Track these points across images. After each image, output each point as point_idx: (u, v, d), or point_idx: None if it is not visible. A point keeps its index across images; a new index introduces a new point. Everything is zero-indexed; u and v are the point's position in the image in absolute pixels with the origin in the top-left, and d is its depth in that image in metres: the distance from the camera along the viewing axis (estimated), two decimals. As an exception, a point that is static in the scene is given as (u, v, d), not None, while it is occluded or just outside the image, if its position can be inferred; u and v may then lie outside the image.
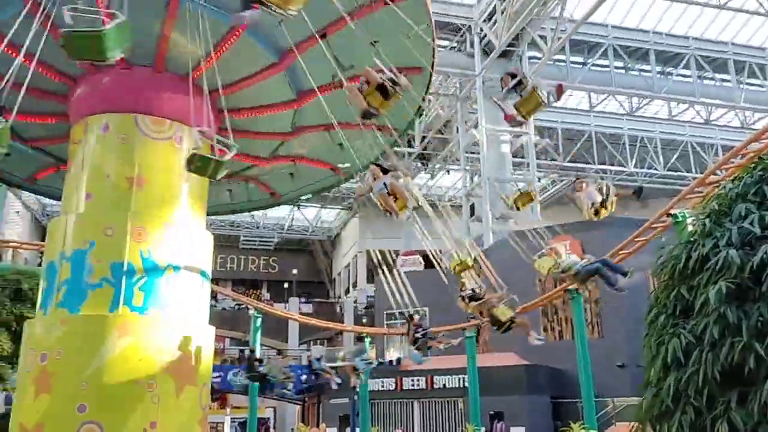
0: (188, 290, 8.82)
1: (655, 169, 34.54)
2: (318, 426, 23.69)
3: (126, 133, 8.96)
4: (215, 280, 22.34)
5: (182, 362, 8.23)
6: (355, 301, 38.31)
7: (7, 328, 14.26)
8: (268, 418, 32.23)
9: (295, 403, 31.95)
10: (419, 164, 33.81)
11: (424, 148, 32.46)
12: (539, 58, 26.24)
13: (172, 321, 8.40)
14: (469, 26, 27.05)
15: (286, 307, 37.47)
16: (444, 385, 21.88)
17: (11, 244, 23.03)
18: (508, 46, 25.09)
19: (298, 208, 42.72)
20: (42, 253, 13.90)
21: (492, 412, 19.14)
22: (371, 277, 36.80)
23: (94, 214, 8.55)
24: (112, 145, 8.91)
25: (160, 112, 9.18)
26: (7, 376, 14.36)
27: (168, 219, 8.83)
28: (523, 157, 29.61)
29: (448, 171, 34.97)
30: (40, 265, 17.27)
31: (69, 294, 8.14)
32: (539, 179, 31.67)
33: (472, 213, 27.80)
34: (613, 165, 34.39)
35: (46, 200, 37.70)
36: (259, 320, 17.58)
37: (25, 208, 35.97)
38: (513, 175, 28.49)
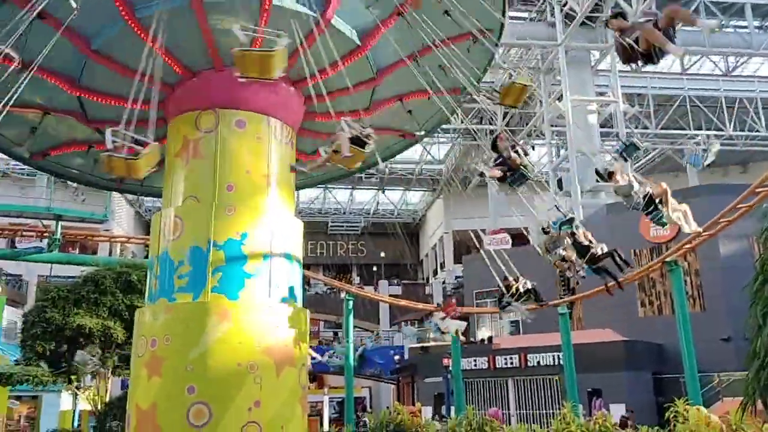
0: (283, 275, 9.14)
1: (757, 131, 32.37)
2: (413, 404, 24.00)
3: (261, 133, 9.39)
4: (306, 266, 22.99)
5: (279, 344, 8.57)
6: (444, 282, 38.36)
7: (120, 318, 15.28)
8: (365, 398, 33.00)
9: (389, 383, 32.52)
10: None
11: (507, 124, 31.88)
12: (625, 23, 25.03)
13: (268, 305, 8.75)
14: (549, -5, 26.24)
15: (375, 290, 38.05)
16: (538, 362, 21.59)
17: (119, 239, 24.60)
18: (590, 12, 24.14)
19: (383, 192, 43.11)
20: (147, 246, 14.80)
21: (590, 390, 18.75)
22: (458, 258, 36.71)
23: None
24: (250, 142, 9.39)
25: (285, 119, 9.72)
26: (122, 362, 15.43)
27: (261, 208, 9.16)
28: (612, 127, 28.53)
29: (533, 146, 34.18)
30: (146, 257, 18.33)
31: (174, 282, 8.65)
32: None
33: (560, 188, 27.11)
34: (710, 129, 32.52)
35: (149, 198, 39.92)
36: (351, 303, 17.97)
37: (129, 204, 38.24)
38: (602, 146, 27.52)
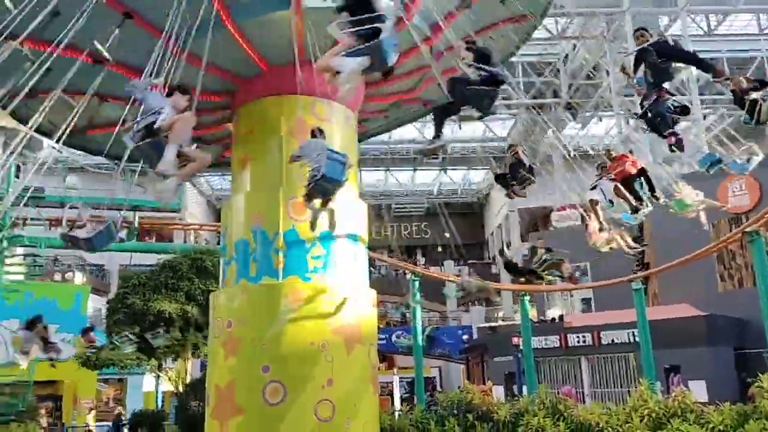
0: (349, 257, 9.26)
1: None
2: (483, 384, 23.95)
3: (325, 116, 9.52)
4: (372, 248, 23.21)
5: (349, 324, 8.71)
6: (512, 260, 37.88)
7: (195, 302, 15.87)
8: (434, 378, 33.16)
9: (459, 363, 32.55)
10: (568, 114, 32.38)
11: (571, 97, 30.99)
12: (695, -16, 23.92)
13: (337, 286, 8.89)
14: (613, -40, 25.23)
15: (441, 270, 38.01)
16: (612, 340, 21.13)
17: (193, 226, 25.48)
18: (658, -25, 23.09)
19: (445, 172, 42.83)
20: (219, 233, 15.24)
21: (667, 366, 18.22)
22: (525, 236, 36.17)
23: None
24: (350, 133, 9.85)
25: (348, 103, 9.83)
26: (200, 344, 16.05)
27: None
28: (683, 94, 27.29)
29: (600, 118, 33.18)
30: (218, 243, 18.88)
31: (247, 265, 8.91)
32: (704, 116, 29.03)
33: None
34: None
35: (218, 186, 41.15)
36: (417, 284, 18.00)
37: (200, 194, 39.48)
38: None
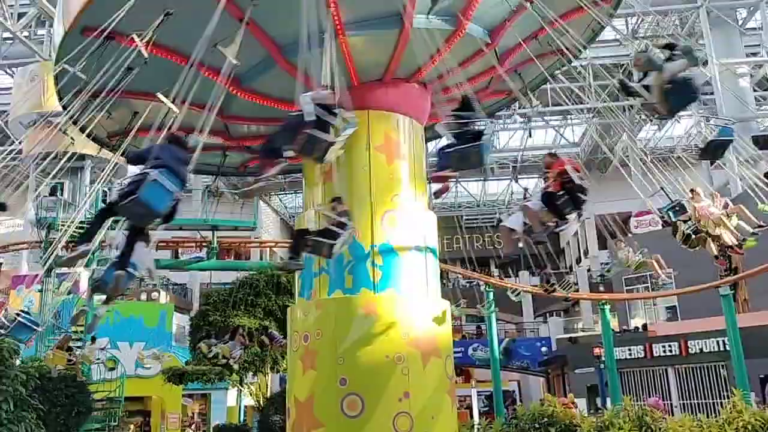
0: (421, 269, 9.25)
1: None
2: (565, 396, 23.27)
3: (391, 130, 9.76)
4: (444, 260, 23.08)
5: (424, 336, 8.69)
6: (588, 269, 36.82)
7: (273, 317, 16.25)
8: (513, 391, 32.50)
9: (538, 375, 31.80)
10: (643, 116, 31.31)
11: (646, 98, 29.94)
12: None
13: (410, 298, 8.90)
14: (684, -45, 24.34)
15: (516, 282, 37.34)
16: (701, 349, 20.16)
17: (268, 244, 26.13)
18: (734, -34, 22.09)
19: (517, 181, 42.17)
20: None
21: (762, 376, 17.20)
22: (603, 243, 35.07)
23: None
24: (421, 146, 10.08)
25: (415, 115, 10.06)
26: (279, 358, 16.37)
27: (397, 203, 9.34)
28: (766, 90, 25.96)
29: (678, 119, 31.91)
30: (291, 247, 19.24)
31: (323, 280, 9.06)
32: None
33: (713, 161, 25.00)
34: None
35: (291, 204, 42.12)
36: (491, 295, 17.79)
37: (274, 212, 40.47)
38: (758, 111, 25.09)
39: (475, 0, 8.48)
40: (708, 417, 10.35)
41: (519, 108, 29.23)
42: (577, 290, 15.30)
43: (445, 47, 8.72)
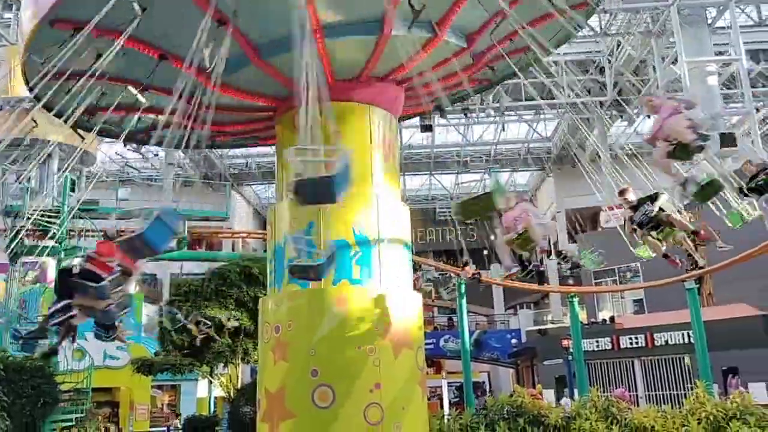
0: (394, 261, 9.29)
1: None
2: (534, 388, 23.62)
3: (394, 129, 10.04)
4: (417, 253, 23.14)
5: (396, 327, 8.73)
6: (559, 263, 37.32)
7: (245, 308, 16.15)
8: (483, 382, 32.86)
9: (508, 367, 32.18)
10: (614, 112, 31.76)
11: (618, 93, 30.36)
12: (745, -27, 23.18)
13: (382, 290, 8.92)
14: (656, -47, 24.63)
15: (487, 274, 37.66)
16: (666, 341, 20.62)
17: (240, 234, 25.95)
18: (705, -34, 22.43)
19: (490, 175, 42.47)
20: (265, 240, 15.47)
21: (724, 368, 17.65)
22: (572, 237, 35.55)
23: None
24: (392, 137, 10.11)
25: (389, 108, 10.09)
26: (250, 349, 16.31)
27: (370, 196, 9.34)
28: (733, 88, 26.43)
29: (648, 115, 32.39)
30: (264, 251, 19.17)
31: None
32: (757, 110, 28.05)
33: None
34: None
35: (264, 195, 41.82)
36: (463, 287, 17.90)
37: (247, 203, 40.17)
38: (725, 109, 25.56)
39: (454, 10, 8.45)
40: (672, 408, 10.61)
41: (492, 102, 29.48)
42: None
43: (422, 53, 8.75)
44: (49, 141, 17.89)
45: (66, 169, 17.65)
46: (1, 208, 20.88)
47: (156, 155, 36.34)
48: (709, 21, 26.12)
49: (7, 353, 14.21)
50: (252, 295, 16.12)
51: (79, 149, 15.25)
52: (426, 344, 14.34)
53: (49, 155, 22.05)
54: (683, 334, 19.60)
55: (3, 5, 24.41)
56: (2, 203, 20.59)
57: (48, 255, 19.25)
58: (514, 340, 31.26)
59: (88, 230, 21.85)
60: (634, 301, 26.90)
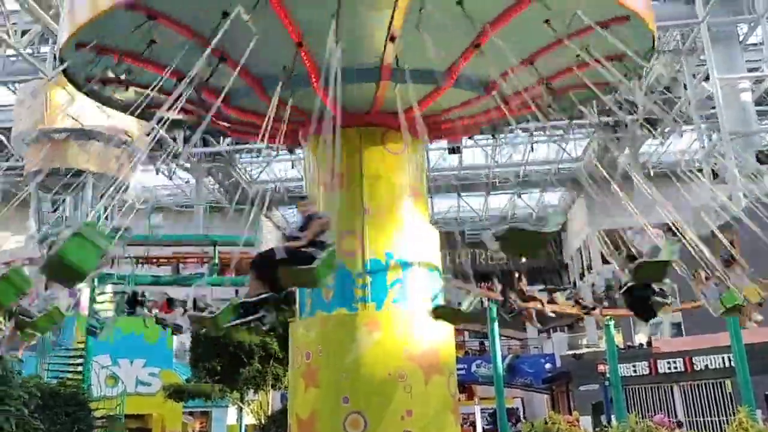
0: (422, 284, 9.17)
1: None
2: (569, 414, 23.06)
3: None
4: (447, 275, 22.90)
5: (426, 352, 8.59)
6: (593, 285, 36.64)
7: (275, 333, 16.10)
8: (517, 408, 32.22)
9: (542, 393, 31.54)
10: (645, 131, 31.33)
11: (649, 113, 29.95)
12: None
13: (413, 315, 8.80)
14: (684, -30, 24.45)
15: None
16: (706, 366, 19.99)
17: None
18: (734, -18, 22.16)
19: (519, 196, 42.17)
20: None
21: (768, 393, 17.00)
22: (605, 259, 34.93)
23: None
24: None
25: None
26: (280, 375, 16.24)
27: (399, 219, 9.28)
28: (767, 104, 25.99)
29: (680, 133, 31.88)
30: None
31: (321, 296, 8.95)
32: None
33: (715, 176, 24.96)
34: None
35: (293, 219, 42.04)
36: (495, 310, 17.64)
37: (276, 228, 40.43)
38: (760, 126, 25.07)
39: (461, 63, 8.31)
40: (715, 435, 10.21)
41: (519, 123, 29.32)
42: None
43: (434, 95, 8.75)
44: (82, 170, 18.25)
45: (101, 197, 17.95)
46: (38, 236, 21.30)
47: (187, 182, 36.96)
48: (741, 38, 25.76)
49: (42, 380, 14.36)
50: (282, 319, 16.09)
51: (112, 178, 15.49)
52: (458, 369, 14.12)
53: (83, 183, 22.54)
54: (724, 358, 19.00)
55: (39, 39, 25.18)
56: (38, 231, 21.00)
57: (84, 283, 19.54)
58: (548, 365, 30.68)
59: (120, 257, 22.15)
60: (672, 324, 26.24)
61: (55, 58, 23.93)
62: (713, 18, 23.00)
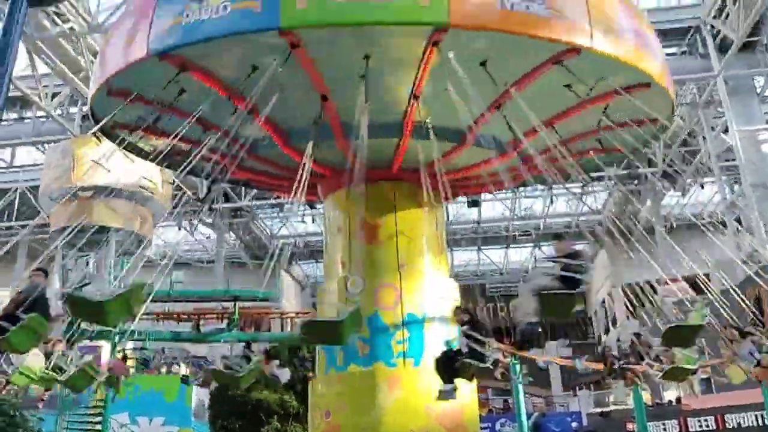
0: (443, 340, 9.03)
1: None
2: (598, 475, 22.24)
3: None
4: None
5: (449, 410, 8.39)
6: (618, 339, 35.86)
7: (294, 390, 15.89)
8: (543, 468, 31.11)
9: (568, 452, 30.48)
10: (665, 183, 31.18)
11: (669, 165, 29.88)
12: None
13: (434, 371, 8.64)
14: (698, 26, 24.77)
15: (542, 353, 36.38)
16: (738, 424, 19.29)
17: (289, 314, 25.97)
18: (747, 37, 22.36)
19: (540, 249, 41.89)
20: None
21: (808, 454, 16.31)
22: (632, 312, 34.27)
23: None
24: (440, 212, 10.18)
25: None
26: (299, 434, 15.93)
27: (418, 273, 9.24)
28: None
29: (702, 185, 31.66)
30: (301, 331, 19.07)
31: (345, 353, 8.84)
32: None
33: (738, 227, 24.64)
34: None
35: (313, 273, 42.10)
36: (518, 367, 17.27)
37: (295, 282, 40.42)
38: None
39: (480, 123, 8.46)
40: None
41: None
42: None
43: (453, 155, 8.92)
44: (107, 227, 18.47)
45: (124, 254, 18.16)
46: (60, 294, 21.49)
47: (208, 237, 37.30)
48: (758, 90, 25.83)
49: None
50: (301, 376, 15.91)
51: (133, 234, 15.72)
52: (481, 428, 13.76)
53: (107, 240, 22.83)
54: (757, 416, 18.35)
55: (69, 101, 26.02)
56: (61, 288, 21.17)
57: (103, 339, 19.55)
58: (574, 423, 29.74)
59: (143, 313, 22.21)
60: (702, 380, 25.45)
61: (83, 118, 24.73)
62: (729, 71, 23.14)
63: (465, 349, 7.48)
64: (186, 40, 6.99)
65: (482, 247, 41.06)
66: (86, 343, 19.13)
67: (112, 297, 6.10)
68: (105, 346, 21.37)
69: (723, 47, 23.52)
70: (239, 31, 6.74)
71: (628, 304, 33.53)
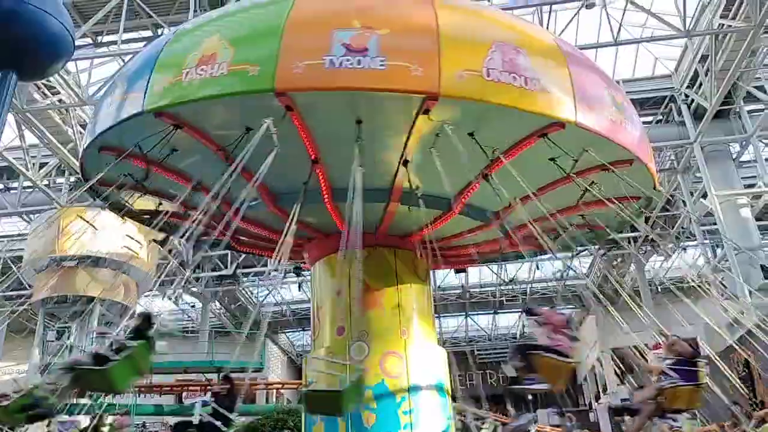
0: (432, 409, 8.89)
1: None
2: None
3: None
4: (456, 398, 22.16)
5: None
6: (610, 407, 35.30)
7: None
8: None
9: None
10: (648, 248, 31.55)
11: (651, 227, 30.29)
12: (762, 110, 23.91)
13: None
14: (672, 96, 25.66)
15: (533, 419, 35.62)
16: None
17: (275, 385, 25.43)
18: (721, 105, 23.18)
19: (528, 314, 41.72)
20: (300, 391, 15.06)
21: None
22: (622, 378, 33.90)
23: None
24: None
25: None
26: None
27: (405, 340, 9.16)
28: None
29: (684, 248, 32.07)
30: (298, 402, 18.68)
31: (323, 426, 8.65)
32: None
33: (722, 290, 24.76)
34: None
35: (300, 342, 41.48)
36: (509, 437, 16.88)
37: (282, 352, 39.78)
38: (762, 242, 25.21)
39: (468, 192, 8.64)
40: None
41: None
42: None
43: (438, 223, 9.02)
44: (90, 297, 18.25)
45: (106, 324, 17.87)
46: (41, 366, 20.98)
47: (192, 306, 36.85)
48: (734, 156, 26.54)
49: None
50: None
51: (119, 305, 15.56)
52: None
53: (90, 310, 22.50)
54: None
55: (56, 171, 26.11)
56: (42, 361, 20.71)
57: (83, 413, 18.99)
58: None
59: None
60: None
61: (70, 189, 24.76)
62: (706, 138, 23.82)
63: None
64: (182, 98, 7.02)
65: (470, 313, 40.89)
66: (65, 417, 18.57)
67: (120, 359, 5.94)
68: (83, 421, 20.73)
69: (698, 115, 24.32)
70: (235, 93, 6.81)
71: (617, 370, 33.21)
